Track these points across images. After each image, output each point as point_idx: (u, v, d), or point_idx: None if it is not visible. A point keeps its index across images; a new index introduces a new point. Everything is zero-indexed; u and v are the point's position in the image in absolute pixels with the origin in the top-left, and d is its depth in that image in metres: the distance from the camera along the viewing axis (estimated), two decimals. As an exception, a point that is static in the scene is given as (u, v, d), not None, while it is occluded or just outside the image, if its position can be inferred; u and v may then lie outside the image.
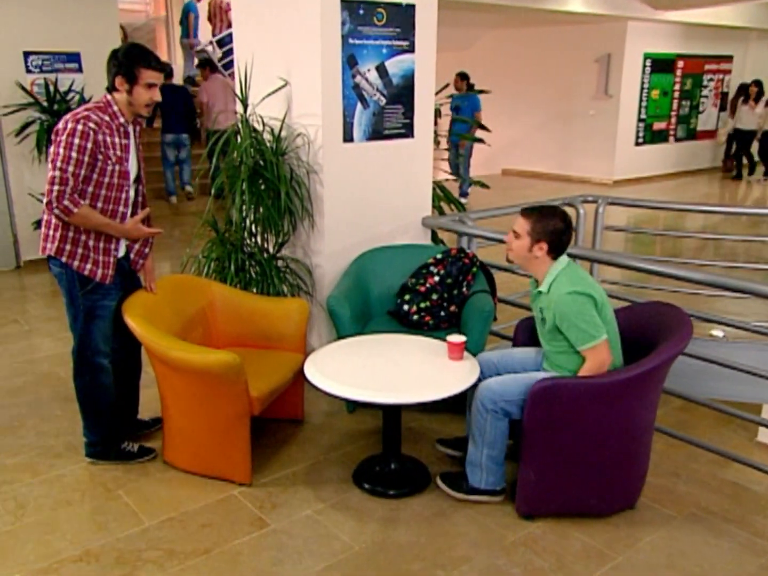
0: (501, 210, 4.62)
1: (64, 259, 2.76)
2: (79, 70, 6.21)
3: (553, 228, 2.59)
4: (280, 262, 3.84)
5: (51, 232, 2.75)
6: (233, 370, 2.66)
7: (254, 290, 3.65)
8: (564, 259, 2.66)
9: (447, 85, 4.81)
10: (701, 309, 3.49)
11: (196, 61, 10.03)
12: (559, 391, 2.47)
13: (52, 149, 2.63)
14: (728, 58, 13.36)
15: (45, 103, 5.97)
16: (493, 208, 4.62)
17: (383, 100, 3.80)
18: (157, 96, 2.73)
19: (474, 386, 2.73)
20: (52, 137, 2.66)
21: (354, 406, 3.56)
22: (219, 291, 3.37)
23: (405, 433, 3.22)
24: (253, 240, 3.81)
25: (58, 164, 2.59)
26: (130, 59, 2.66)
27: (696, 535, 2.63)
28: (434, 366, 2.81)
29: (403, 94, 3.88)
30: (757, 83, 11.86)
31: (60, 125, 2.65)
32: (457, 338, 2.82)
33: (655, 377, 2.55)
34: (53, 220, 2.73)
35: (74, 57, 6.15)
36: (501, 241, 4.01)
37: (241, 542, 2.56)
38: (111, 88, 2.73)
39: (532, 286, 2.79)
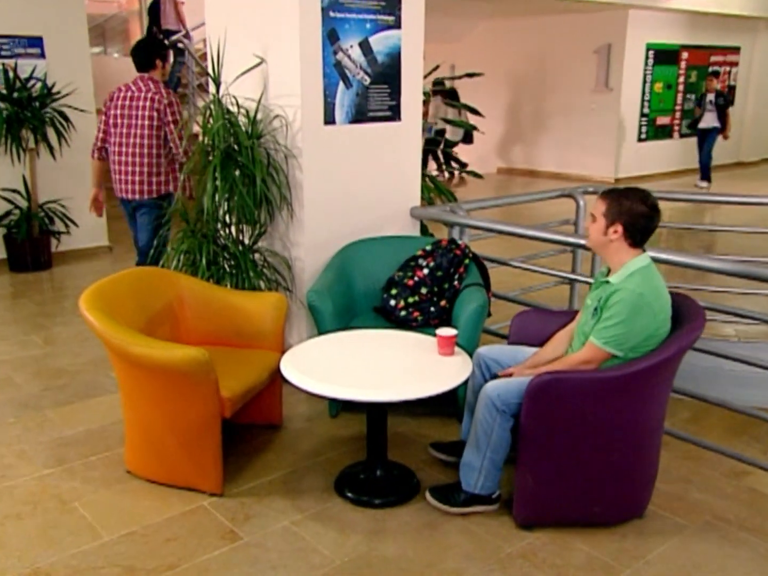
0: (495, 201, 4.58)
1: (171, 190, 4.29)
2: (42, 55, 6.11)
3: (628, 207, 2.47)
4: (256, 255, 3.79)
5: (170, 177, 4.28)
6: (201, 366, 2.59)
7: (228, 285, 3.60)
8: (647, 257, 2.55)
9: (437, 67, 4.76)
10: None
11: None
12: (560, 387, 2.41)
13: (169, 117, 4.21)
14: (735, 50, 13.44)
15: (4, 91, 5.86)
16: (486, 198, 4.57)
17: (367, 80, 3.75)
18: None
19: (467, 383, 2.66)
20: (164, 107, 4.22)
21: (336, 409, 3.50)
22: (188, 285, 3.30)
23: (392, 437, 3.15)
24: (227, 231, 3.76)
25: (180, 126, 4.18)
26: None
27: (711, 545, 2.57)
28: (423, 362, 2.76)
29: (388, 73, 3.83)
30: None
31: (165, 100, 4.24)
32: (447, 331, 2.77)
33: (664, 371, 2.49)
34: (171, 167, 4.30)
35: (36, 41, 6.06)
36: (496, 232, 3.99)
37: (210, 557, 2.47)
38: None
39: (600, 276, 2.69)
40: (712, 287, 4.44)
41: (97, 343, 2.89)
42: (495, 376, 2.79)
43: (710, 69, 12.28)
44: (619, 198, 2.50)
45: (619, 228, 2.49)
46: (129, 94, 4.33)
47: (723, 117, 10.99)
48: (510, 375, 2.72)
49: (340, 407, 3.52)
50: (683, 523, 2.69)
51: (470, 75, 5.24)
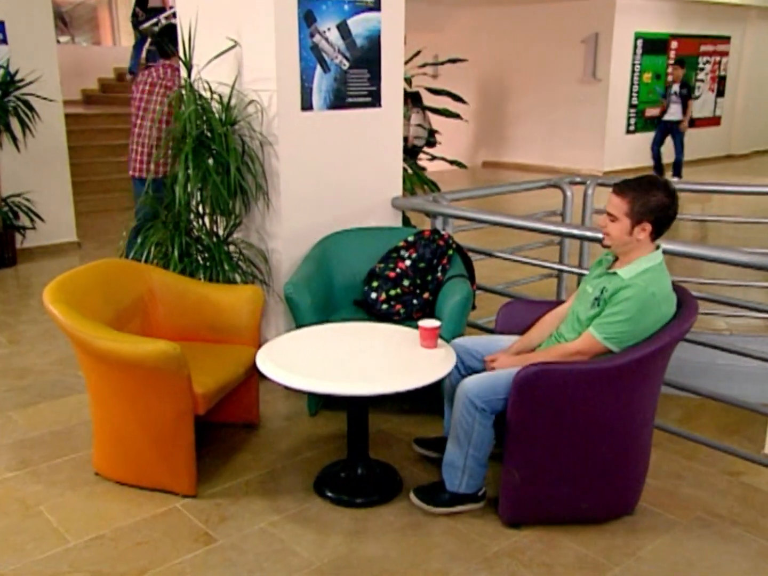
0: (480, 191, 4.58)
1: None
2: (4, 41, 6.02)
3: (656, 204, 2.42)
4: (231, 248, 3.77)
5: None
6: (172, 361, 2.56)
7: (201, 278, 3.58)
8: (659, 254, 2.53)
9: (419, 52, 4.75)
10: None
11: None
12: (548, 378, 2.40)
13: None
14: (726, 39, 13.55)
15: (-37, 79, 5.77)
16: (471, 188, 4.57)
17: (346, 64, 3.73)
18: None
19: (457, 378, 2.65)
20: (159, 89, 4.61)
21: (316, 407, 3.49)
22: (159, 278, 3.27)
23: (374, 435, 3.15)
24: (200, 222, 3.73)
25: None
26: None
27: (703, 541, 2.58)
28: (405, 354, 2.76)
29: (368, 57, 3.81)
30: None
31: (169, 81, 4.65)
32: (429, 323, 2.76)
33: (656, 362, 2.49)
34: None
35: (-2, 26, 5.96)
36: (481, 222, 3.99)
37: (183, 561, 2.44)
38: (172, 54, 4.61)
39: (603, 263, 2.66)
40: (701, 279, 4.48)
41: (64, 341, 2.85)
42: (471, 370, 2.79)
43: (674, 57, 11.83)
44: (644, 194, 2.42)
45: (648, 227, 2.46)
46: (149, 79, 4.74)
47: (685, 108, 10.66)
48: (494, 361, 2.71)
49: (320, 405, 3.50)
50: (675, 519, 2.70)
51: (453, 61, 5.24)
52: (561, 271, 4.08)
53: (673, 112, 10.69)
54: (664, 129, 10.83)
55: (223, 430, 3.29)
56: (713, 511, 2.75)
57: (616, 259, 2.60)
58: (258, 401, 3.34)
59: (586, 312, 2.58)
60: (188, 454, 2.73)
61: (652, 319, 2.45)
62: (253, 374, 3.11)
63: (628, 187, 2.47)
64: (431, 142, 5.78)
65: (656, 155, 10.97)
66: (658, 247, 2.55)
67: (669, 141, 10.82)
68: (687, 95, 10.63)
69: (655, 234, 2.49)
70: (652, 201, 2.42)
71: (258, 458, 3.09)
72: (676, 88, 10.59)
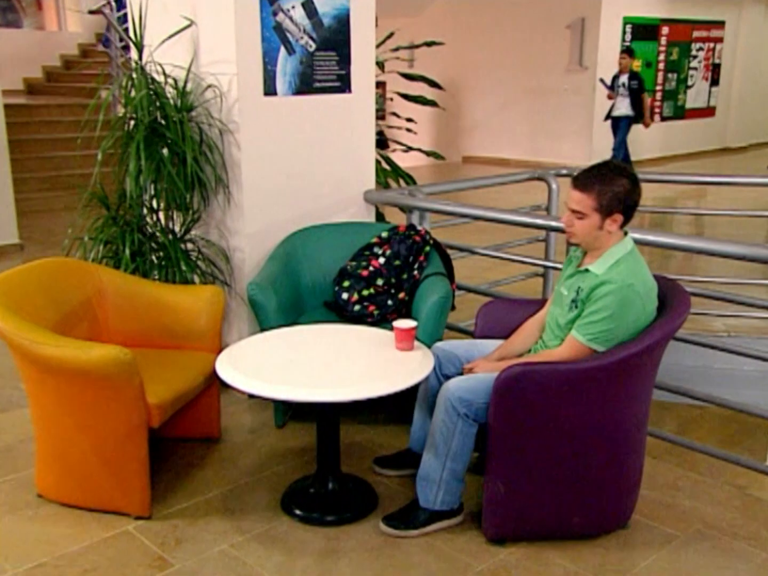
0: (459, 183, 4.60)
1: None
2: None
3: (624, 192, 2.44)
4: (188, 245, 3.75)
5: None
6: (123, 368, 2.54)
7: (156, 279, 3.56)
8: (629, 241, 2.55)
9: (392, 34, 4.76)
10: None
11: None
12: (532, 380, 2.41)
13: None
14: (720, 24, 13.79)
15: None
16: (449, 181, 4.58)
17: (312, 45, 3.72)
18: None
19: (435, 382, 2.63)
20: None
21: (283, 418, 3.48)
22: (109, 278, 3.24)
23: (346, 447, 3.15)
24: (154, 218, 3.71)
25: None
26: None
27: (703, 556, 2.59)
28: (379, 358, 2.76)
29: (336, 39, 3.80)
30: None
31: None
32: (405, 323, 2.76)
33: (647, 360, 2.51)
34: None
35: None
36: (460, 216, 4.00)
37: (136, 588, 2.40)
38: None
39: (573, 261, 2.68)
40: (695, 277, 4.53)
41: (3, 351, 2.80)
42: (447, 378, 2.77)
43: (624, 45, 11.21)
44: (610, 185, 2.44)
45: (619, 217, 2.48)
46: None
47: (637, 103, 10.05)
48: (473, 368, 2.72)
49: (288, 416, 3.50)
50: (672, 532, 2.71)
51: (429, 44, 5.26)
52: (547, 268, 4.11)
53: (621, 107, 10.16)
54: (613, 125, 10.35)
55: (180, 445, 3.27)
56: (713, 524, 2.76)
57: (585, 254, 2.62)
58: (219, 413, 3.32)
59: (565, 316, 2.60)
60: (141, 471, 2.70)
61: (635, 312, 2.46)
62: (214, 383, 3.10)
63: (591, 180, 2.48)
64: (382, 144, 5.76)
65: (624, 154, 10.60)
66: (626, 234, 2.58)
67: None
68: (638, 88, 10.04)
69: (625, 222, 2.52)
70: (619, 190, 2.45)
71: (219, 475, 3.06)
72: (624, 79, 10.04)
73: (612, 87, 10.23)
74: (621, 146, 10.39)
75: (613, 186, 2.45)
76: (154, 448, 2.80)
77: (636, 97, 10.05)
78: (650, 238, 3.10)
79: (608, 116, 10.42)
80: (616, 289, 2.43)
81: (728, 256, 2.96)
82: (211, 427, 3.31)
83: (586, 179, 2.49)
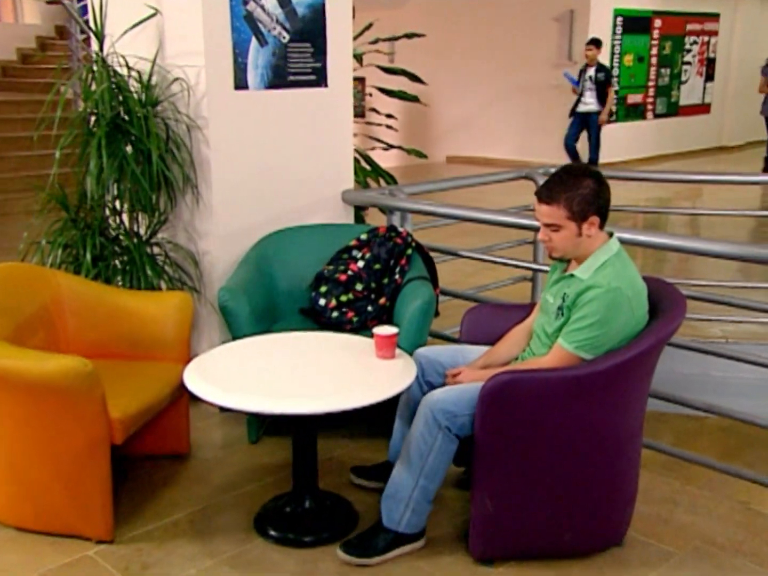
0: (442, 183, 4.62)
1: None
2: None
3: (592, 193, 2.46)
4: (155, 249, 3.74)
5: None
6: (82, 380, 2.52)
7: (119, 284, 3.55)
8: (615, 243, 2.56)
9: (370, 25, 4.77)
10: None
11: None
12: (520, 389, 2.41)
13: None
14: (714, 17, 13.95)
15: None
16: (432, 180, 4.59)
17: (285, 36, 3.72)
18: None
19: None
20: None
21: (257, 433, 3.47)
22: (69, 285, 3.23)
23: (324, 463, 3.13)
24: (118, 220, 3.70)
25: None
26: None
27: (702, 574, 2.59)
28: (358, 367, 2.78)
29: (311, 29, 3.81)
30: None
31: None
32: (386, 330, 2.76)
33: (641, 367, 2.52)
34: None
35: None
36: (444, 217, 4.00)
37: (97, 618, 2.37)
38: None
39: (558, 266, 2.70)
40: (691, 281, 4.55)
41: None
42: (431, 386, 2.78)
43: (590, 36, 10.74)
44: (575, 189, 2.46)
45: (595, 219, 2.50)
46: None
47: (603, 97, 10.04)
48: (457, 375, 2.71)
49: (262, 430, 3.48)
50: (669, 549, 2.71)
51: (409, 36, 5.28)
52: (535, 271, 4.12)
53: (588, 102, 10.13)
54: (579, 122, 10.32)
55: (146, 463, 3.25)
56: (713, 540, 2.77)
57: (570, 260, 2.64)
58: (188, 428, 3.31)
59: (552, 324, 2.61)
60: (103, 491, 2.68)
61: (624, 316, 2.47)
62: (182, 395, 3.09)
63: (555, 189, 2.50)
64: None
65: (571, 152, 10.45)
66: (611, 235, 2.59)
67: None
68: (605, 81, 10.02)
69: (602, 223, 2.54)
70: (586, 192, 2.47)
71: (188, 494, 3.05)
72: (591, 72, 10.03)
73: (578, 81, 10.16)
74: (597, 146, 10.33)
75: (579, 189, 2.46)
76: (117, 467, 2.77)
77: (603, 90, 10.04)
78: (642, 238, 3.11)
79: (572, 112, 10.31)
80: (602, 294, 2.44)
81: (722, 256, 2.97)
82: (180, 443, 3.29)
83: (549, 190, 2.50)
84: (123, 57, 3.63)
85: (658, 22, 12.92)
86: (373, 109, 5.85)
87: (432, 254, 3.77)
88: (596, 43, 10.19)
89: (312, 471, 2.86)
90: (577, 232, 2.50)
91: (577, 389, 2.44)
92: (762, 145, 11.97)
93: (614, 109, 10.42)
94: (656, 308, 2.59)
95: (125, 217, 3.69)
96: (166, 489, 3.08)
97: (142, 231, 3.73)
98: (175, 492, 3.06)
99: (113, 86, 3.51)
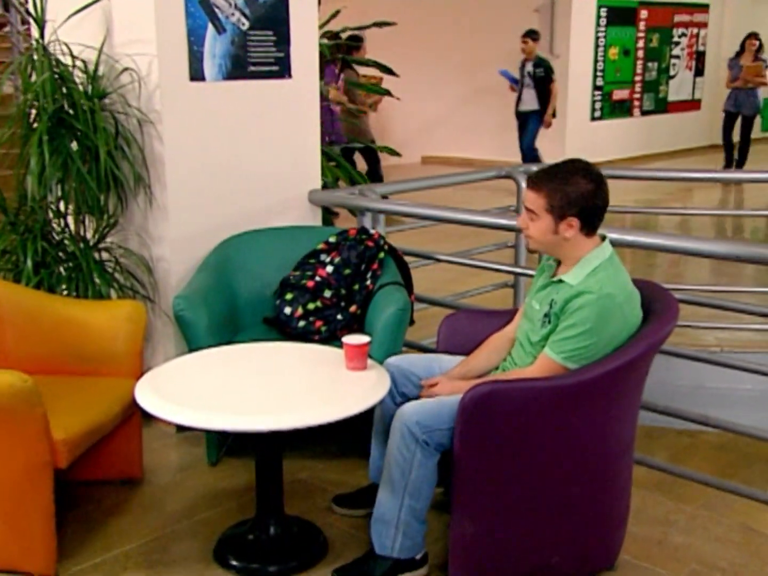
0: (417, 183, 4.62)
1: None
2: None
3: (578, 194, 2.45)
4: (103, 255, 3.73)
5: None
6: (21, 397, 2.50)
7: (64, 293, 3.53)
8: (607, 247, 2.56)
9: (337, 12, 4.78)
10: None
11: None
12: (503, 400, 2.40)
13: None
14: (703, 8, 14.18)
15: None
16: (405, 180, 4.59)
17: (245, 23, 3.72)
18: None
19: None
20: None
21: (217, 454, 3.46)
22: (7, 293, 3.22)
23: (290, 486, 3.12)
24: (62, 223, 3.68)
25: None
26: None
27: (701, 599, 2.63)
28: (327, 379, 2.79)
29: (273, 16, 3.81)
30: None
31: None
32: (356, 339, 2.76)
33: (631, 376, 2.53)
34: None
35: None
36: (419, 218, 4.00)
37: None
38: None
39: (546, 270, 2.70)
40: (682, 285, 4.60)
41: None
42: (406, 398, 2.78)
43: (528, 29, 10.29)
44: (562, 185, 2.48)
45: (575, 222, 2.49)
46: None
47: (544, 95, 9.67)
48: (434, 386, 2.71)
49: (223, 451, 3.48)
50: (664, 573, 2.72)
51: (379, 24, 5.30)
52: (517, 275, 4.13)
53: (526, 100, 9.81)
54: (520, 122, 10.00)
55: (94, 489, 3.22)
56: (710, 563, 2.78)
57: (559, 263, 2.65)
58: (141, 450, 3.30)
59: (537, 332, 2.61)
60: (45, 521, 2.65)
61: (616, 325, 2.47)
62: (134, 414, 3.08)
63: (544, 178, 2.52)
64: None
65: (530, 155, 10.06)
66: (604, 238, 2.59)
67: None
68: (545, 77, 9.64)
69: (586, 228, 2.52)
70: (572, 191, 2.46)
71: (141, 522, 3.03)
72: (529, 67, 9.70)
73: (517, 79, 9.87)
74: (531, 148, 9.96)
75: (567, 186, 2.46)
76: (62, 493, 2.74)
77: (543, 87, 9.66)
78: (629, 238, 3.12)
79: (516, 112, 10.02)
80: (593, 300, 2.44)
81: (715, 256, 2.99)
82: (132, 466, 3.28)
83: (538, 176, 2.54)
84: (66, 45, 3.61)
85: (644, 13, 13.09)
86: (341, 104, 5.86)
87: (406, 258, 3.78)
88: (532, 34, 9.79)
89: (277, 494, 2.85)
90: (552, 229, 2.50)
91: (564, 400, 2.44)
92: (755, 143, 12.13)
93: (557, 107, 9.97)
94: (647, 312, 2.60)
95: (70, 220, 3.68)
96: (117, 517, 3.06)
97: (89, 235, 3.72)
98: (126, 521, 3.04)
99: (56, 77, 3.49)
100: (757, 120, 11.78)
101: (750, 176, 7.71)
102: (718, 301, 3.24)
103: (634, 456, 2.75)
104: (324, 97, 6.96)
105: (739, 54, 11.16)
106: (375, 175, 8.06)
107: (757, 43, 11.01)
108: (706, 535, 2.93)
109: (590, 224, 2.51)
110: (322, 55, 4.46)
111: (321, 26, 4.17)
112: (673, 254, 6.42)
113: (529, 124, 9.86)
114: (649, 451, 3.57)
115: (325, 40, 5.94)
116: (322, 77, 6.96)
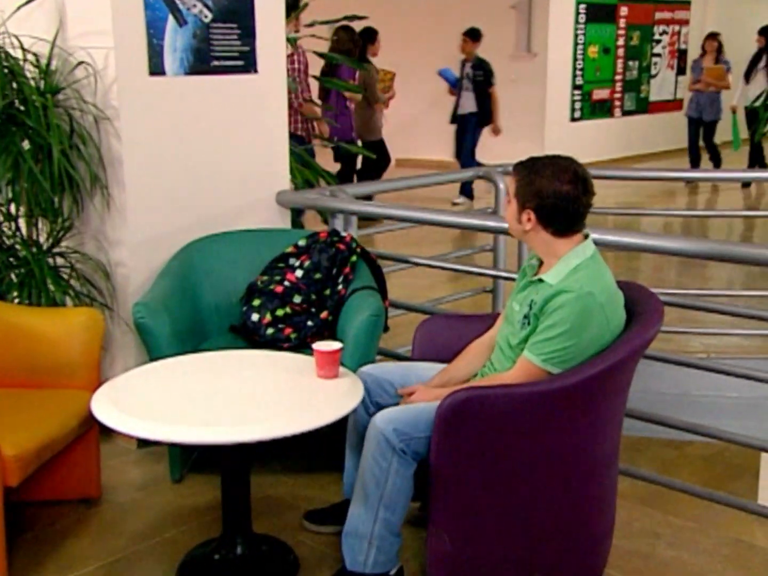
0: (390, 183, 4.64)
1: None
2: None
3: (539, 187, 2.47)
4: (58, 260, 3.71)
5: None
6: None
7: (15, 301, 3.50)
8: (590, 246, 2.58)
9: (305, 5, 4.80)
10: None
11: None
12: (481, 407, 2.40)
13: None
14: (685, 5, 14.38)
15: None
16: (377, 181, 4.59)
17: (208, 15, 3.72)
18: None
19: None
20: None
21: (181, 471, 3.44)
22: None
23: (258, 503, 3.10)
24: (13, 227, 3.66)
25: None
26: None
27: (689, 616, 2.65)
28: (296, 388, 2.77)
29: (236, 8, 3.81)
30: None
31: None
32: (327, 345, 2.74)
33: (615, 381, 2.54)
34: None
35: None
36: (393, 219, 4.01)
37: None
38: None
39: (527, 272, 2.71)
40: (668, 289, 4.64)
41: None
42: (380, 408, 2.76)
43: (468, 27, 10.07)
44: (530, 174, 2.51)
45: (530, 215, 2.53)
46: None
47: (484, 99, 9.59)
48: (411, 395, 2.71)
49: (187, 467, 3.46)
50: (652, 588, 2.76)
51: (350, 18, 5.33)
52: (496, 278, 4.14)
53: (465, 104, 9.71)
54: (459, 126, 9.93)
55: (48, 509, 3.20)
56: (700, 576, 2.81)
57: (542, 263, 2.67)
58: (98, 466, 3.28)
59: (517, 335, 2.62)
60: None
61: (598, 326, 2.48)
62: (91, 428, 3.06)
63: (525, 163, 2.57)
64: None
65: (469, 164, 9.57)
66: (586, 237, 2.61)
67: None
68: (484, 80, 9.53)
69: (550, 226, 2.53)
70: (536, 183, 2.49)
71: (99, 544, 3.01)
72: (468, 69, 9.63)
73: (456, 82, 9.73)
74: (470, 155, 9.85)
75: (536, 177, 2.49)
76: (13, 514, 2.75)
77: (482, 91, 9.57)
78: (610, 238, 3.14)
79: (453, 117, 9.93)
80: (573, 299, 2.45)
81: (699, 256, 3.03)
82: (89, 484, 3.26)
83: (523, 161, 2.59)
84: (17, 37, 3.59)
85: (624, 10, 13.24)
86: (311, 100, 5.87)
87: (380, 262, 3.79)
88: (471, 34, 9.64)
89: (245, 512, 2.83)
90: (516, 216, 2.57)
91: (545, 407, 2.45)
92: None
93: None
94: (630, 315, 2.61)
95: (22, 223, 3.67)
96: (73, 539, 3.04)
97: (42, 239, 3.70)
98: (83, 542, 3.02)
99: (5, 71, 3.47)
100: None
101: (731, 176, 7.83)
102: (703, 303, 3.27)
103: (620, 467, 2.76)
104: (340, 93, 7.00)
105: (703, 55, 11.31)
106: (374, 169, 8.26)
107: (716, 44, 11.11)
108: (694, 548, 2.95)
109: (550, 223, 2.52)
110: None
111: (288, 19, 4.15)
112: (657, 259, 6.54)
113: (468, 128, 9.76)
114: (635, 463, 3.61)
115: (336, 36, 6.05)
116: (335, 75, 7.02)
